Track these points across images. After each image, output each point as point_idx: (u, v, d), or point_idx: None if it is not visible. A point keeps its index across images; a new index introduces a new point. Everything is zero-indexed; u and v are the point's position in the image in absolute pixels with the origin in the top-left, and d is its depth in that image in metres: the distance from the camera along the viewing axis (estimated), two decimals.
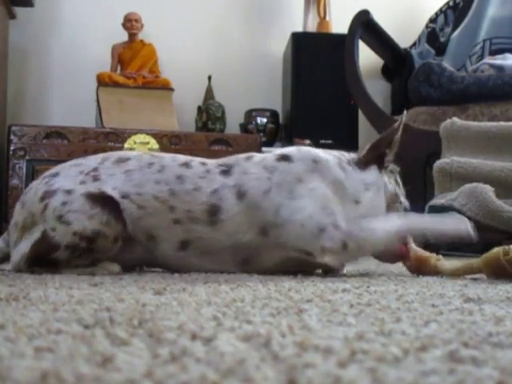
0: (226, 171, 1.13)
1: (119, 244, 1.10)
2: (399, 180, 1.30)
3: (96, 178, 1.11)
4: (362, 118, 3.01)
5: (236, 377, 0.32)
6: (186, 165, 1.15)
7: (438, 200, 2.31)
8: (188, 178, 1.13)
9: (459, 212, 2.20)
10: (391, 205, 1.23)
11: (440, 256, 1.16)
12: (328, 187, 1.12)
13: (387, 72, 3.34)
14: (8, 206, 2.56)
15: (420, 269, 1.14)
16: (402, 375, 0.32)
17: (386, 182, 1.24)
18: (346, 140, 3.04)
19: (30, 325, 0.48)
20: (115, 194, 1.09)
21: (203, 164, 1.16)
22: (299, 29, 3.23)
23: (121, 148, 2.61)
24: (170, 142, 2.68)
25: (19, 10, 3.02)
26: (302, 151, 1.18)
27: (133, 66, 3.03)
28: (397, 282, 0.99)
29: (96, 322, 0.50)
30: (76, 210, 1.06)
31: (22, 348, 0.39)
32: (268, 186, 1.10)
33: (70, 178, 1.11)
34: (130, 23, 3.04)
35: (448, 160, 2.37)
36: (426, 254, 1.15)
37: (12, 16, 2.99)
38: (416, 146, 2.75)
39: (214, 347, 0.40)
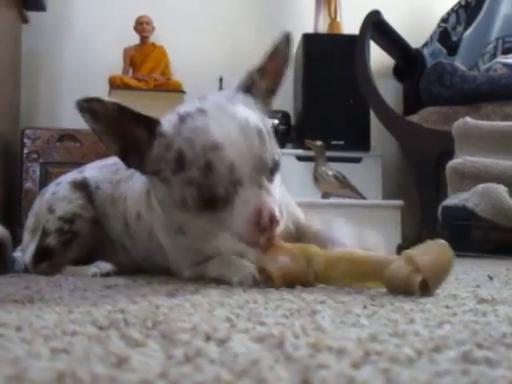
0: None
1: (99, 229, 1.18)
2: None
3: (81, 171, 1.27)
4: (373, 119, 3.00)
5: (250, 377, 0.32)
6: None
7: (451, 200, 2.30)
8: None
9: (472, 212, 2.19)
10: None
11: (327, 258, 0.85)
12: None
13: (399, 72, 3.33)
14: (22, 209, 2.58)
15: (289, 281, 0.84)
16: (416, 376, 0.32)
17: None
18: (357, 141, 3.04)
19: (45, 326, 0.49)
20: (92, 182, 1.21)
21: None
22: (310, 30, 3.23)
23: None
24: None
25: (32, 15, 3.05)
26: None
27: (144, 68, 3.04)
28: None
29: (110, 323, 0.50)
30: (60, 198, 1.19)
31: (38, 349, 0.39)
32: None
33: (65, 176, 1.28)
34: (142, 26, 3.06)
35: (460, 160, 2.36)
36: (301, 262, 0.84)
37: (25, 20, 3.01)
38: (428, 145, 2.74)
39: (227, 348, 0.40)
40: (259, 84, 0.95)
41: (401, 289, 0.76)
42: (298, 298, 0.72)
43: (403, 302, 0.70)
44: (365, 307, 0.64)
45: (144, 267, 1.20)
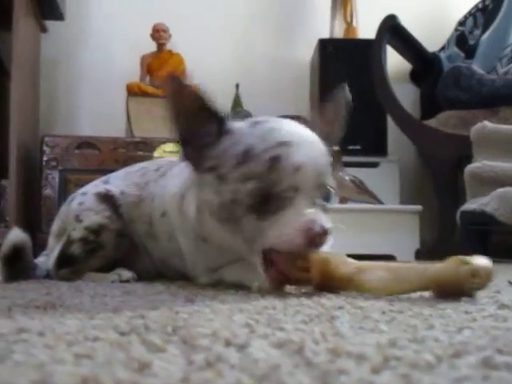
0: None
1: (125, 242, 1.18)
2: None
3: (105, 181, 1.28)
4: (390, 123, 3.00)
5: (270, 382, 0.32)
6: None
7: (470, 205, 2.29)
8: None
9: (492, 217, 2.17)
10: None
11: (360, 264, 0.84)
12: None
13: (415, 76, 3.32)
14: (42, 216, 2.61)
15: (327, 284, 0.84)
16: (436, 381, 0.32)
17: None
18: (374, 145, 3.03)
19: (67, 332, 0.49)
20: (116, 191, 1.22)
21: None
22: (326, 35, 3.23)
23: (150, 157, 2.64)
24: None
25: (50, 24, 3.09)
26: None
27: (161, 75, 3.06)
28: None
29: (131, 329, 0.51)
30: (87, 208, 1.19)
31: (62, 354, 0.40)
32: None
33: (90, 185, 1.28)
34: (158, 33, 3.08)
35: (479, 164, 2.35)
36: (334, 266, 0.83)
37: (43, 30, 3.05)
38: (447, 150, 2.73)
39: (247, 354, 0.40)
40: (320, 126, 0.96)
41: (453, 290, 0.76)
42: (317, 304, 0.72)
43: (422, 307, 0.69)
44: (383, 313, 0.64)
45: (164, 271, 1.21)
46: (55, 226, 1.28)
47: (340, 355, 0.40)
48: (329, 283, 0.84)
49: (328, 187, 0.89)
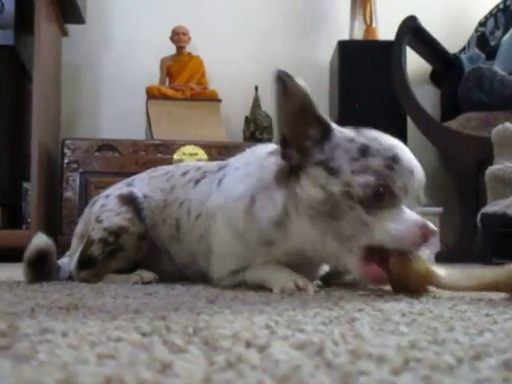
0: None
1: (145, 245, 1.19)
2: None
3: (129, 184, 1.28)
4: (410, 125, 2.98)
5: (291, 383, 0.32)
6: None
7: (491, 207, 2.27)
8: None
9: None
10: None
11: (434, 266, 0.89)
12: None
13: (436, 78, 3.30)
14: (63, 218, 2.64)
15: (402, 278, 0.87)
16: (457, 383, 0.33)
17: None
18: None
19: (90, 333, 0.50)
20: (139, 194, 1.22)
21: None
22: (345, 37, 3.22)
23: (170, 159, 2.66)
24: (219, 152, 2.71)
25: (71, 28, 3.13)
26: None
27: (181, 78, 3.08)
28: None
29: (153, 330, 0.52)
30: (108, 210, 1.19)
31: (85, 355, 0.41)
32: None
33: (113, 188, 1.29)
34: (178, 36, 3.10)
35: (501, 166, 2.33)
36: (415, 256, 0.87)
37: (64, 33, 3.09)
38: (467, 152, 2.70)
39: (268, 355, 0.41)
40: None
41: None
42: (337, 306, 0.72)
43: (443, 310, 0.69)
44: (404, 315, 0.64)
45: (185, 274, 1.21)
46: (78, 228, 1.29)
47: (360, 357, 0.40)
48: (407, 277, 0.86)
49: (424, 196, 0.93)
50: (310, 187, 0.90)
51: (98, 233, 1.18)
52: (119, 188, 1.27)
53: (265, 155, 1.03)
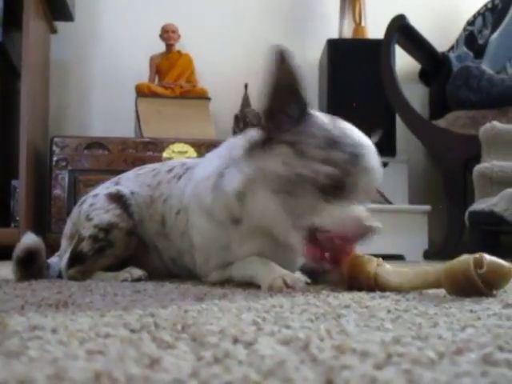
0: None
1: (134, 240, 1.21)
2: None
3: (116, 182, 1.30)
4: (399, 123, 3.00)
5: (277, 377, 0.33)
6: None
7: (479, 205, 2.29)
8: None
9: (501, 218, 2.17)
10: None
11: (382, 262, 0.94)
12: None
13: (425, 76, 3.32)
14: (51, 216, 2.63)
15: (352, 279, 0.93)
16: (437, 377, 0.34)
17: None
18: (383, 146, 3.03)
19: (80, 329, 0.51)
20: (126, 191, 1.24)
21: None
22: (335, 35, 3.24)
23: (159, 157, 2.66)
24: (208, 150, 2.71)
25: (60, 25, 3.12)
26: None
27: (170, 76, 3.08)
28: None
29: (142, 326, 0.52)
30: (98, 208, 1.22)
31: (75, 351, 0.41)
32: None
33: (101, 187, 1.30)
34: (167, 34, 3.10)
35: (488, 164, 2.35)
36: (365, 258, 0.93)
37: (53, 31, 3.08)
38: (455, 150, 2.73)
39: (254, 350, 0.41)
40: None
41: (461, 284, 0.80)
42: (324, 303, 0.73)
43: (428, 307, 0.70)
44: (389, 312, 0.65)
45: (173, 271, 1.22)
46: (67, 229, 1.30)
47: (344, 352, 0.41)
48: (356, 278, 0.92)
49: (378, 193, 0.98)
50: (275, 163, 0.95)
51: (89, 230, 1.20)
52: (107, 187, 1.28)
53: (235, 140, 1.09)
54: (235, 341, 0.45)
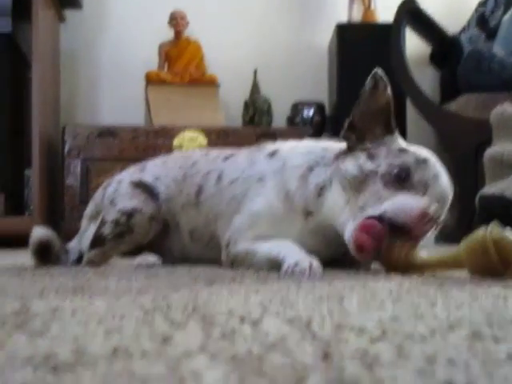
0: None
1: (155, 226, 1.23)
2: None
3: (141, 169, 1.34)
4: (409, 108, 3.00)
5: (278, 351, 0.36)
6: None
7: (489, 189, 2.29)
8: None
9: (510, 202, 2.18)
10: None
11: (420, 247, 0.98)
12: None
13: (436, 59, 3.30)
14: (65, 205, 2.67)
15: (388, 261, 0.98)
16: (425, 350, 0.36)
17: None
18: None
19: (97, 311, 0.54)
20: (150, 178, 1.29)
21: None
22: (344, 20, 3.23)
23: (170, 145, 2.69)
24: (218, 137, 2.74)
25: (68, 13, 3.14)
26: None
27: (179, 63, 3.10)
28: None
29: (155, 308, 0.55)
30: (123, 194, 1.26)
31: (93, 329, 0.44)
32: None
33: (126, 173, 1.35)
34: (176, 21, 3.11)
35: (499, 148, 2.35)
36: (415, 253, 0.96)
37: (62, 19, 3.11)
38: (466, 134, 2.73)
39: (259, 328, 0.44)
40: None
41: (478, 258, 0.86)
42: (329, 285, 0.76)
43: (429, 288, 0.73)
44: (391, 292, 0.68)
45: (187, 248, 1.26)
46: (88, 209, 1.34)
47: (343, 329, 0.44)
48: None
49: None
50: (350, 164, 1.04)
51: (112, 214, 1.23)
52: (131, 173, 1.32)
53: (332, 143, 1.17)
54: (242, 320, 0.48)
